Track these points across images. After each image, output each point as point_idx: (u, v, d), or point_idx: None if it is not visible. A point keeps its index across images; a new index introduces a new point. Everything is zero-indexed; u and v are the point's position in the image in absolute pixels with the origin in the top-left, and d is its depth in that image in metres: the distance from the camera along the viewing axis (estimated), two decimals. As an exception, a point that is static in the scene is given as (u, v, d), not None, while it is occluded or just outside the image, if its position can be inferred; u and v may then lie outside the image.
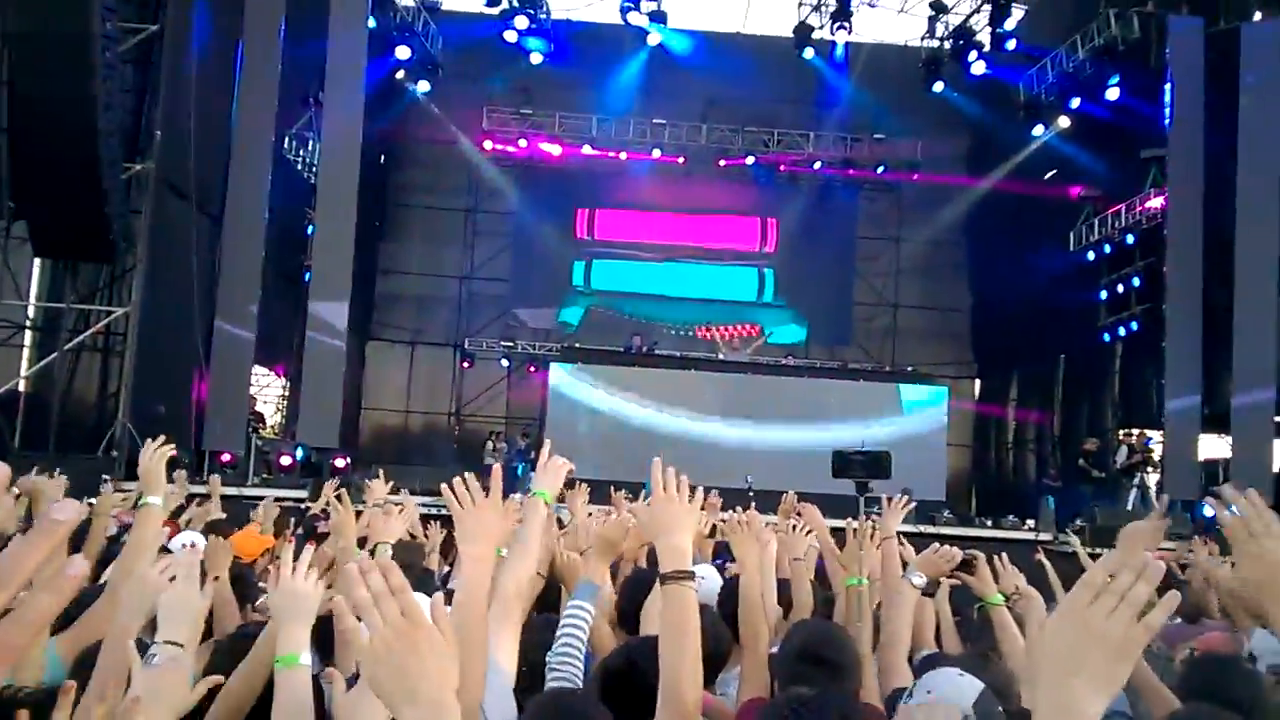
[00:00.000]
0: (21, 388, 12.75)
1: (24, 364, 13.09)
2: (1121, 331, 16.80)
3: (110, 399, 13.03)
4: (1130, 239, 16.62)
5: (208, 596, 2.14)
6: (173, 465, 9.67)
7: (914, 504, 3.62)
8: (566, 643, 2.50)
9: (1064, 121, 17.75)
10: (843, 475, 3.44)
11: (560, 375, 16.78)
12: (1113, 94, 16.38)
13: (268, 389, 16.75)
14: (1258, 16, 14.74)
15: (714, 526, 6.66)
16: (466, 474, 2.19)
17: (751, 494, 7.09)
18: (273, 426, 16.27)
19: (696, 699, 1.96)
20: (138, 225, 12.46)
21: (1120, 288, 16.93)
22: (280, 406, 17.30)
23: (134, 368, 12.16)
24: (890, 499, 3.70)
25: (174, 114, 12.71)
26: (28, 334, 13.37)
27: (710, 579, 3.92)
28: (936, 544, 3.30)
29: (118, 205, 11.82)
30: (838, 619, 3.62)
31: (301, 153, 16.51)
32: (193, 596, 2.10)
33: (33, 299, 13.40)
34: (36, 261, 13.19)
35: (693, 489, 2.19)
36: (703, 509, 2.31)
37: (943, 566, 3.23)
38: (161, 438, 2.95)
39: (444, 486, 2.15)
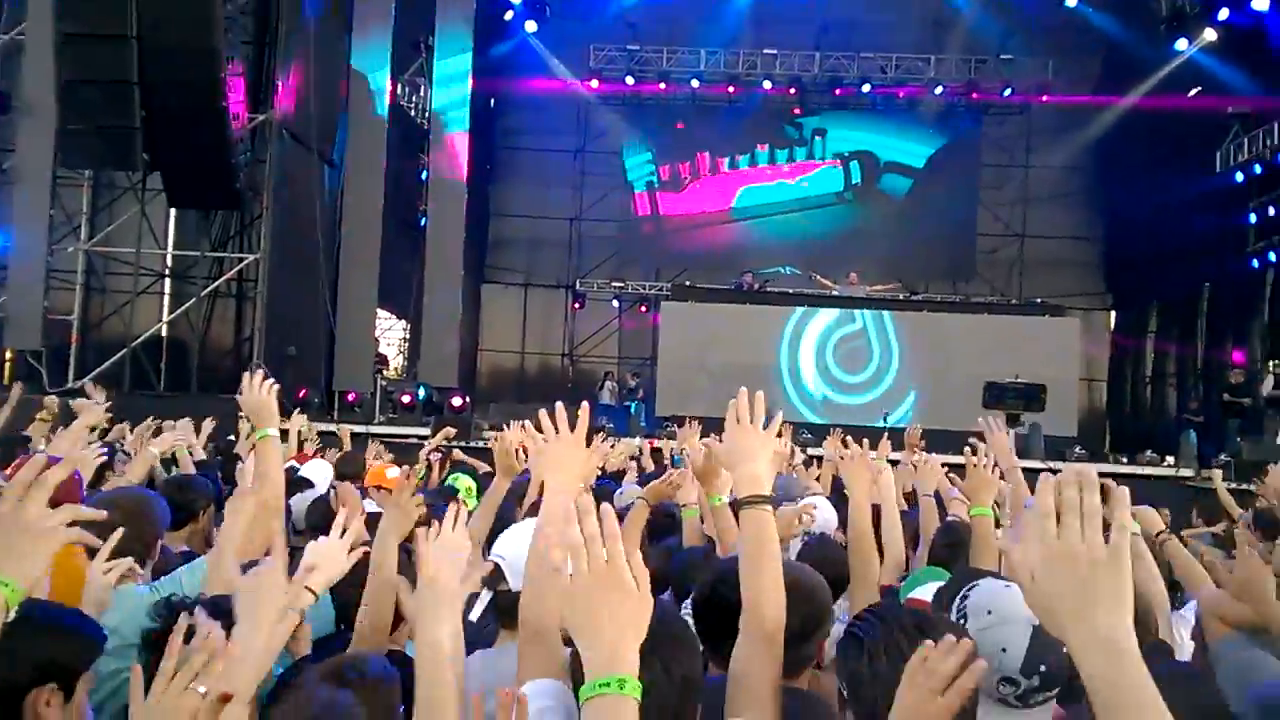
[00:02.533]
0: (164, 333, 13.46)
1: (165, 310, 13.81)
2: (1272, 257, 15.63)
3: (245, 342, 13.67)
4: (1283, 158, 15.39)
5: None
6: (304, 405, 10.11)
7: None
8: None
9: (1210, 34, 16.43)
10: (996, 406, 3.28)
11: (671, 313, 16.69)
12: (1261, 2, 15.05)
13: (389, 331, 17.24)
14: None
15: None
16: (558, 404, 2.20)
17: (887, 433, 6.87)
18: (396, 368, 16.78)
19: (778, 620, 1.92)
20: (262, 174, 12.88)
21: (1271, 210, 15.73)
22: (402, 348, 17.81)
23: (265, 311, 12.69)
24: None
25: (293, 65, 13.02)
26: (167, 282, 14.08)
27: (823, 508, 3.92)
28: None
29: (243, 155, 12.23)
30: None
31: (415, 98, 16.71)
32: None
33: (170, 248, 14.08)
34: (172, 212, 13.82)
35: (769, 417, 2.14)
36: (779, 435, 2.23)
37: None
38: (260, 372, 3.01)
39: (541, 414, 2.16)
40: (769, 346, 15.74)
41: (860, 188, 20.53)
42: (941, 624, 1.70)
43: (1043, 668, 1.73)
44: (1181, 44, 16.93)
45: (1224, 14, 15.89)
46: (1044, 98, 19.15)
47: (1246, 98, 16.27)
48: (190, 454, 5.36)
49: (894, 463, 5.71)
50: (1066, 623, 1.19)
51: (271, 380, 2.96)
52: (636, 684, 1.34)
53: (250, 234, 13.78)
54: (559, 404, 2.20)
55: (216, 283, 13.49)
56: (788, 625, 1.93)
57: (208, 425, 6.54)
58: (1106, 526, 1.21)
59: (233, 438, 7.31)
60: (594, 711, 1.33)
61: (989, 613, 1.82)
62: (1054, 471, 1.27)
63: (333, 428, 11.25)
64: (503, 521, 3.11)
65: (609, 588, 1.36)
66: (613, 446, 8.78)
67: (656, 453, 8.31)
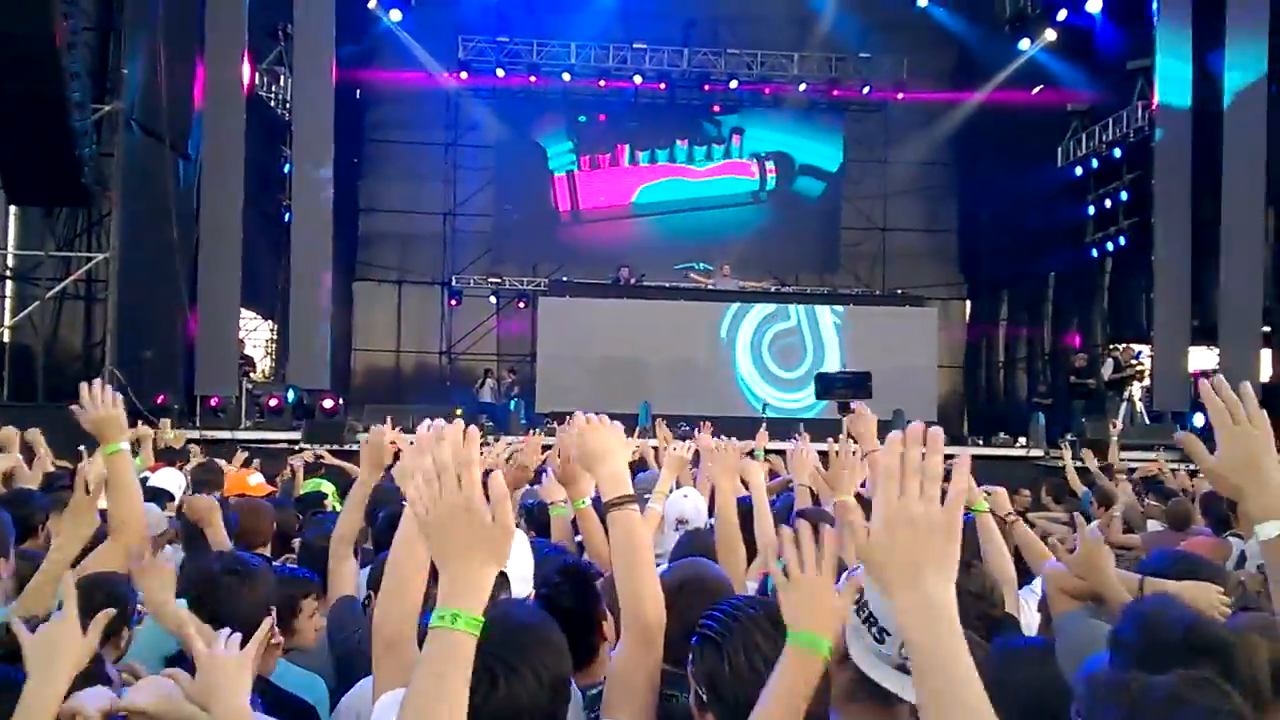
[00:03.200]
0: (6, 338, 12.61)
1: (6, 315, 12.93)
2: (1110, 246, 16.78)
3: (96, 347, 12.91)
4: (1117, 153, 16.49)
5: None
6: (164, 411, 9.68)
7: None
8: None
9: (1050, 34, 17.46)
10: (826, 396, 3.42)
11: (548, 309, 16.68)
12: (1094, 5, 16.11)
13: (255, 332, 16.61)
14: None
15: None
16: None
17: (765, 422, 7.06)
18: (263, 370, 16.18)
19: (658, 619, 1.93)
20: (110, 168, 12.19)
21: (1108, 203, 16.87)
22: (269, 349, 17.19)
23: (118, 314, 12.01)
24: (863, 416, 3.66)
25: (140, 51, 12.36)
26: (8, 284, 13.18)
27: (694, 497, 4.03)
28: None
29: (88, 147, 11.55)
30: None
31: (274, 88, 16.11)
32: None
33: (10, 248, 13.18)
34: (12, 210, 12.94)
35: (613, 418, 2.17)
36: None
37: None
38: (98, 383, 2.86)
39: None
40: (647, 341, 15.90)
41: (774, 192, 20.82)
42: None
43: None
44: (1024, 43, 17.94)
45: (1062, 15, 16.91)
46: (900, 95, 19.92)
47: (1083, 95, 17.37)
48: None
49: (778, 453, 5.88)
50: (896, 583, 1.23)
51: (112, 389, 2.84)
52: (473, 619, 1.32)
53: (99, 232, 13.01)
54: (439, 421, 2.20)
55: (63, 284, 12.67)
56: (688, 621, 1.91)
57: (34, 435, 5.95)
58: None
59: (82, 447, 6.92)
60: (429, 644, 1.32)
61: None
62: (901, 429, 1.29)
63: (196, 434, 10.85)
64: (389, 519, 3.12)
65: (459, 511, 1.35)
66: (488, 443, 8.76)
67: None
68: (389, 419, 5.88)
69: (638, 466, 6.24)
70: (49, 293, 12.50)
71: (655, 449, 6.53)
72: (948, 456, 1.28)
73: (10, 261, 13.17)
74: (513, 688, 1.53)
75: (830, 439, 3.64)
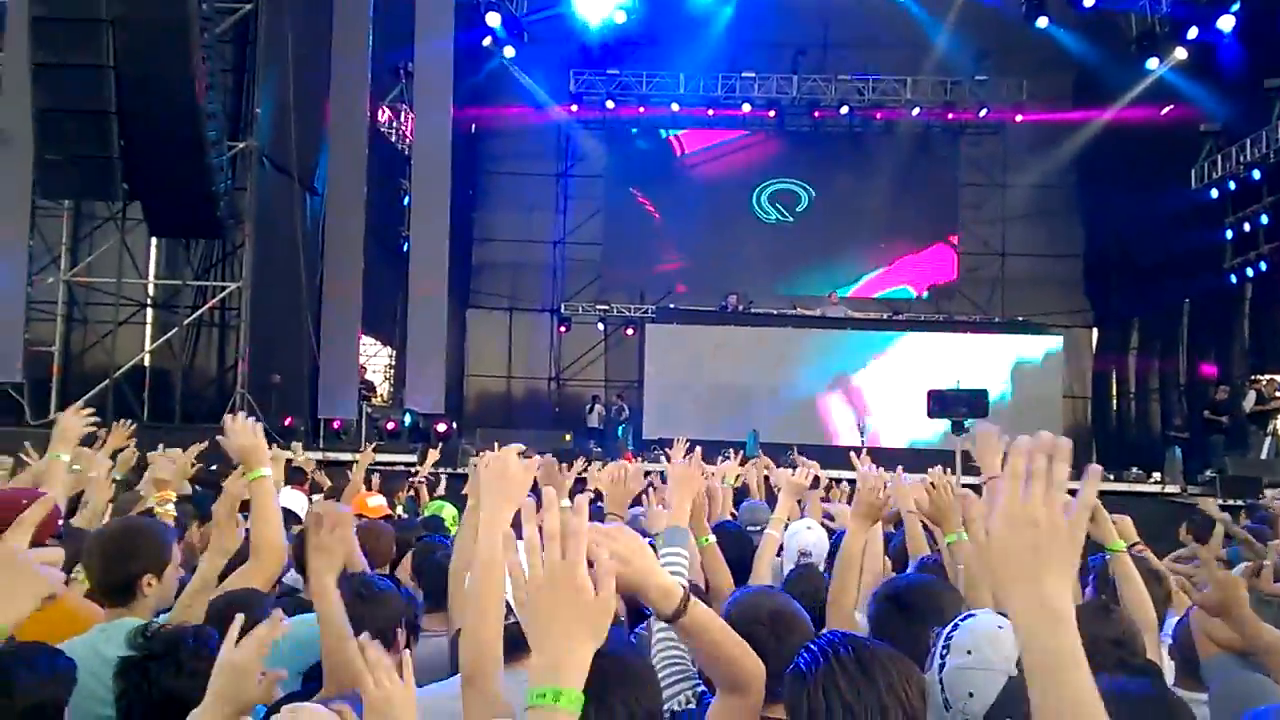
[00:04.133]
0: (146, 362, 13.33)
1: (147, 340, 13.68)
2: (1250, 272, 15.81)
3: (229, 371, 13.54)
4: (1257, 174, 15.58)
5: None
6: (291, 434, 10.04)
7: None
8: None
9: (1180, 53, 16.69)
10: (940, 415, 3.27)
11: (656, 336, 16.70)
12: (1226, 23, 15.34)
13: (375, 358, 17.15)
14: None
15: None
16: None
17: (864, 441, 6.89)
18: (382, 395, 16.68)
19: (758, 689, 1.86)
20: (243, 202, 12.82)
21: (1247, 226, 15.92)
22: (388, 375, 17.72)
23: (249, 340, 12.58)
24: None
25: (272, 91, 13.00)
26: (149, 311, 13.96)
27: (816, 528, 3.95)
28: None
29: (223, 183, 12.17)
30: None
31: (395, 123, 16.72)
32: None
33: (151, 277, 13.97)
34: (154, 241, 13.73)
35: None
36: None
37: None
38: (242, 413, 2.96)
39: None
40: (755, 368, 15.76)
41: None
42: (882, 656, 1.65)
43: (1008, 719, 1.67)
44: (1152, 63, 17.18)
45: (1193, 32, 16.16)
46: (1019, 117, 19.38)
47: (1217, 115, 16.52)
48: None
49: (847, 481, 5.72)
50: (1013, 583, 1.19)
51: (255, 418, 2.93)
52: (575, 696, 1.27)
53: (232, 262, 13.68)
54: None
55: (199, 311, 13.36)
56: (772, 653, 1.89)
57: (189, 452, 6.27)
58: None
59: (214, 467, 7.21)
60: None
61: (969, 652, 1.76)
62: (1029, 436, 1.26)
63: (319, 455, 11.21)
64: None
65: (561, 586, 1.30)
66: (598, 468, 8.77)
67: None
68: (497, 444, 5.98)
69: (739, 494, 6.14)
70: (186, 320, 13.18)
71: (765, 478, 6.39)
72: (1071, 491, 1.22)
73: (151, 290, 13.95)
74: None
75: (934, 468, 3.47)
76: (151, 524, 3.21)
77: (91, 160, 11.63)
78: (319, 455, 11.28)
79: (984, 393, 3.14)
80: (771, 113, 19.82)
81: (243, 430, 2.87)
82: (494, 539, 1.92)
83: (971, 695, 1.71)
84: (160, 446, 5.85)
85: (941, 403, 3.22)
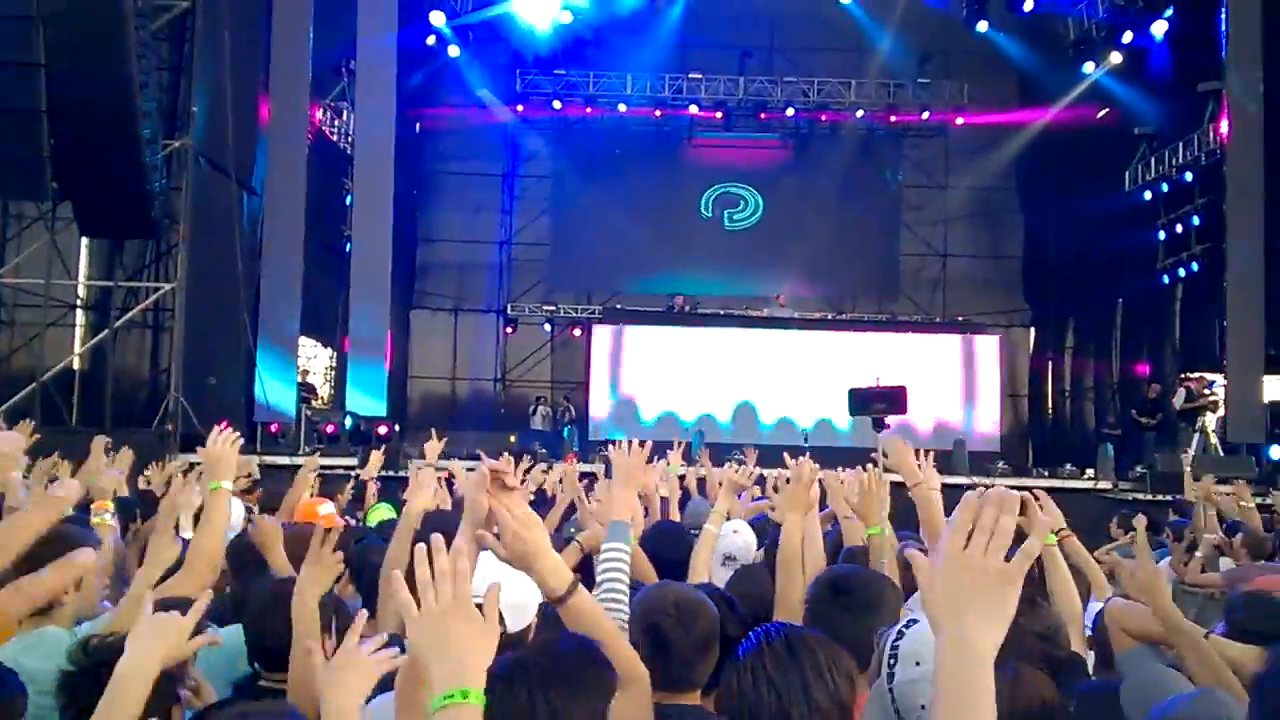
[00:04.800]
0: (76, 365, 12.99)
1: (77, 342, 13.33)
2: (1181, 273, 16.23)
3: (162, 374, 13.25)
4: (1189, 176, 16.01)
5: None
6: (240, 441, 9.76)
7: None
8: (610, 587, 2.36)
9: (1116, 57, 17.11)
10: (860, 413, 3.31)
11: (602, 337, 16.70)
12: (1159, 28, 15.78)
13: (314, 359, 16.90)
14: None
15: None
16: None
17: (807, 446, 6.95)
18: (323, 397, 16.44)
19: (640, 669, 1.96)
20: (179, 201, 12.55)
21: (1179, 227, 16.34)
22: (328, 377, 17.47)
23: (183, 342, 12.32)
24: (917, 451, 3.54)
25: (209, 89, 12.75)
26: (79, 313, 13.61)
27: (743, 532, 3.94)
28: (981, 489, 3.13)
29: (158, 182, 11.90)
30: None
31: (336, 123, 16.50)
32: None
33: (82, 278, 13.62)
34: (84, 241, 13.38)
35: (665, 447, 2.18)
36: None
37: None
38: (228, 429, 3.11)
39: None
40: (701, 369, 15.83)
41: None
42: (810, 641, 1.72)
43: None
44: (1089, 67, 17.59)
45: (1127, 37, 16.57)
46: (960, 120, 19.68)
47: (1151, 118, 16.95)
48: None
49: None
50: (941, 620, 1.26)
51: (237, 435, 3.09)
52: (480, 694, 1.39)
53: (166, 263, 13.39)
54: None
55: (130, 313, 13.05)
56: (678, 642, 2.00)
57: (125, 456, 6.27)
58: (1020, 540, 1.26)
59: (148, 473, 7.09)
60: None
61: (917, 664, 1.72)
62: (981, 487, 1.34)
63: (255, 460, 11.01)
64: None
65: (454, 619, 1.44)
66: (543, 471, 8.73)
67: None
68: (434, 431, 5.95)
69: (683, 497, 6.15)
70: (117, 322, 12.87)
71: (700, 479, 6.42)
72: (1014, 487, 1.31)
73: (81, 291, 13.61)
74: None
75: (863, 466, 3.53)
76: (71, 532, 3.14)
77: (20, 159, 11.31)
78: (256, 459, 11.12)
79: (902, 389, 3.19)
80: (719, 114, 19.91)
81: (220, 441, 3.06)
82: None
83: (924, 708, 1.65)
84: (106, 449, 5.72)
85: (861, 400, 3.27)
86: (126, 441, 7.06)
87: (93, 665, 2.00)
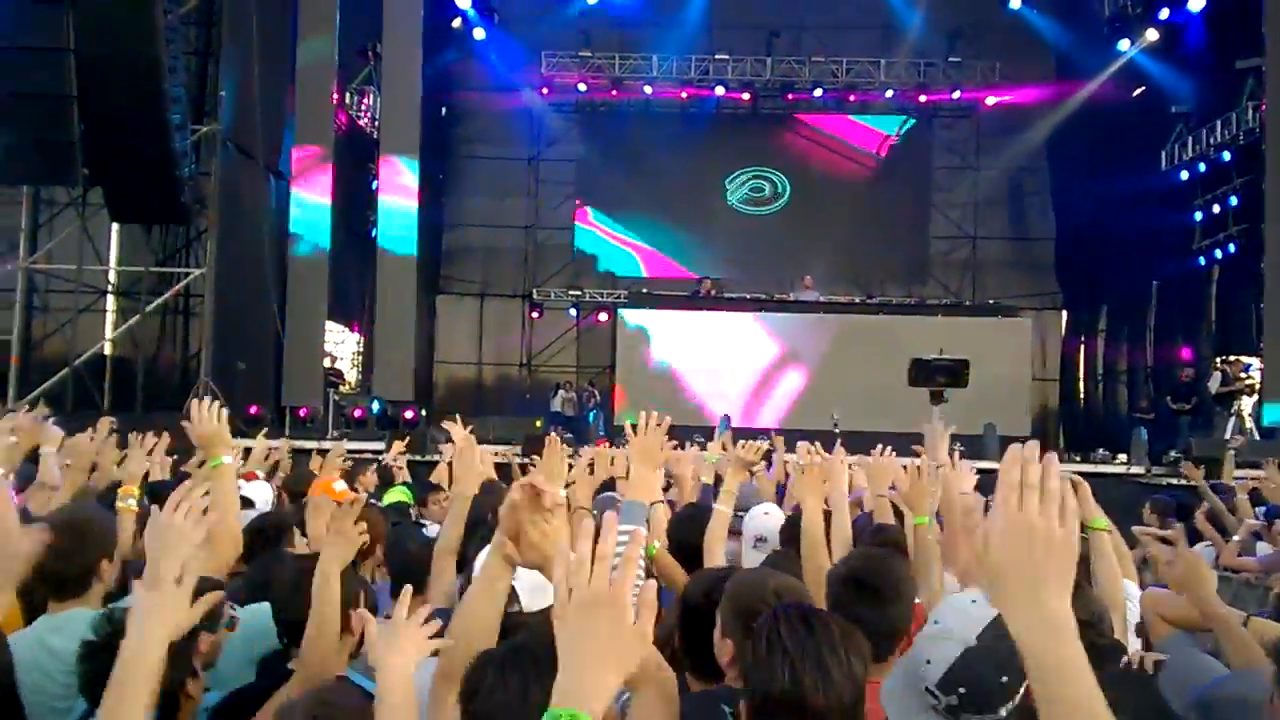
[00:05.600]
0: (107, 350, 13.14)
1: (108, 328, 13.49)
2: (1218, 254, 15.90)
3: (192, 358, 13.39)
4: (1226, 156, 15.66)
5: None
6: (257, 423, 9.95)
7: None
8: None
9: (1152, 34, 16.74)
10: (921, 383, 3.26)
11: (629, 321, 16.65)
12: (1196, 4, 15.41)
13: (342, 344, 17.00)
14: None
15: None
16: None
17: (838, 431, 6.87)
18: (351, 382, 16.53)
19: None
20: (207, 187, 12.63)
21: (1216, 208, 16.00)
22: (355, 362, 17.57)
23: (213, 327, 12.43)
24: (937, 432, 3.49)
25: (236, 74, 12.80)
26: (110, 299, 13.76)
27: (774, 514, 3.91)
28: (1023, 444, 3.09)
29: (187, 168, 11.98)
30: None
31: (363, 106, 16.51)
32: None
33: (113, 263, 13.76)
34: (114, 227, 13.51)
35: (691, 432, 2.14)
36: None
37: None
38: (208, 399, 3.00)
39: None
40: (727, 354, 15.74)
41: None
42: (826, 617, 1.74)
43: (961, 689, 1.70)
44: (1124, 44, 17.23)
45: (1164, 14, 16.21)
46: (991, 99, 19.38)
47: (1188, 96, 16.59)
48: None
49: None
50: (1015, 597, 1.21)
51: (219, 403, 2.95)
52: None
53: (195, 248, 13.51)
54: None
55: (161, 298, 13.17)
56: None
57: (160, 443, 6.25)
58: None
59: (176, 457, 7.13)
60: None
61: (935, 622, 1.80)
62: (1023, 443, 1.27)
63: (283, 444, 11.10)
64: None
65: (603, 608, 1.26)
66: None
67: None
68: (459, 417, 5.94)
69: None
70: (148, 307, 12.99)
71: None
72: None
73: (112, 277, 13.74)
74: None
75: (917, 457, 3.47)
76: (100, 511, 3.17)
77: (50, 144, 11.43)
78: (284, 443, 11.20)
79: (965, 362, 3.12)
80: (746, 95, 19.73)
81: (206, 418, 2.91)
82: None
83: (929, 663, 1.73)
84: (110, 429, 5.76)
85: (924, 371, 3.20)
86: (157, 425, 7.10)
87: (115, 635, 1.98)
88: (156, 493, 4.94)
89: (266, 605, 2.68)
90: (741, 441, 4.11)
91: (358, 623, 2.03)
